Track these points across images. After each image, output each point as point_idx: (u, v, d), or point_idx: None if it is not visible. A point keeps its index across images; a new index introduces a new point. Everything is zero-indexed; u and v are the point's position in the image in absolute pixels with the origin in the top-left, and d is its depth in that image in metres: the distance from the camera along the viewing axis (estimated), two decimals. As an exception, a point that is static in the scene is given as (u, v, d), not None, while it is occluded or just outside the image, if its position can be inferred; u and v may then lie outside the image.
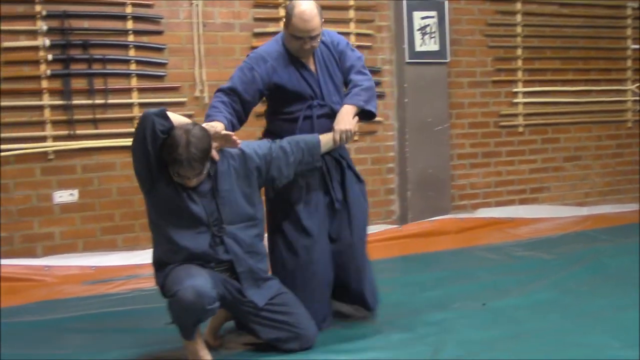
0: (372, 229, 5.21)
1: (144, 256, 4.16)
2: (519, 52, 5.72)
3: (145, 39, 4.61)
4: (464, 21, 5.52)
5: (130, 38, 4.56)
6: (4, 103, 4.27)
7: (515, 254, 4.62)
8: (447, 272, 4.20)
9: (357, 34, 5.17)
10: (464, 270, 4.21)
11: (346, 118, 3.00)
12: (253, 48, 4.80)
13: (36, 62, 4.33)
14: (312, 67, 3.11)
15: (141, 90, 4.58)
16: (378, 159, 5.35)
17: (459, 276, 4.06)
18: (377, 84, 5.22)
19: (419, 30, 5.18)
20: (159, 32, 4.62)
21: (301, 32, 2.93)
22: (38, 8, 4.29)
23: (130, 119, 4.56)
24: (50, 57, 4.32)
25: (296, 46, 3.00)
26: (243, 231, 2.83)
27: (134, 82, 4.56)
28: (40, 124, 4.37)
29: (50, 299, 3.89)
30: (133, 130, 4.44)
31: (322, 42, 3.10)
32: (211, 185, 2.76)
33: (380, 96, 5.28)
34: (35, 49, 4.32)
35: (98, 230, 4.57)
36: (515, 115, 5.77)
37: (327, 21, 5.01)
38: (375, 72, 5.24)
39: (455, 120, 5.55)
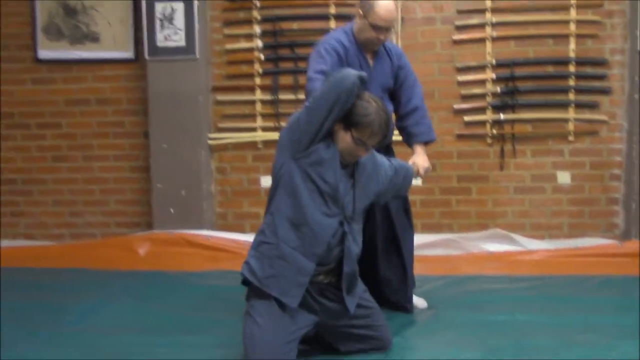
0: (588, 242, 4.60)
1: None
2: None
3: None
4: None
5: (333, 37, 4.82)
6: (226, 97, 4.96)
7: None
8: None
9: (578, 21, 4.56)
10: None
11: (425, 155, 3.23)
12: (454, 42, 4.72)
13: (251, 62, 4.91)
14: (370, 62, 3.14)
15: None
16: (599, 164, 4.65)
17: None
18: (604, 77, 4.60)
19: (658, 12, 4.34)
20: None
21: (383, 22, 3.03)
22: (255, 13, 4.85)
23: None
24: (262, 57, 4.86)
25: (371, 36, 3.07)
26: (359, 233, 2.72)
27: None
28: (252, 117, 4.95)
29: (228, 269, 4.32)
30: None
31: (384, 45, 3.20)
32: (352, 175, 2.64)
33: (606, 92, 4.58)
34: (251, 50, 4.90)
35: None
36: None
37: (542, 9, 4.60)
38: (600, 63, 4.57)
39: None
